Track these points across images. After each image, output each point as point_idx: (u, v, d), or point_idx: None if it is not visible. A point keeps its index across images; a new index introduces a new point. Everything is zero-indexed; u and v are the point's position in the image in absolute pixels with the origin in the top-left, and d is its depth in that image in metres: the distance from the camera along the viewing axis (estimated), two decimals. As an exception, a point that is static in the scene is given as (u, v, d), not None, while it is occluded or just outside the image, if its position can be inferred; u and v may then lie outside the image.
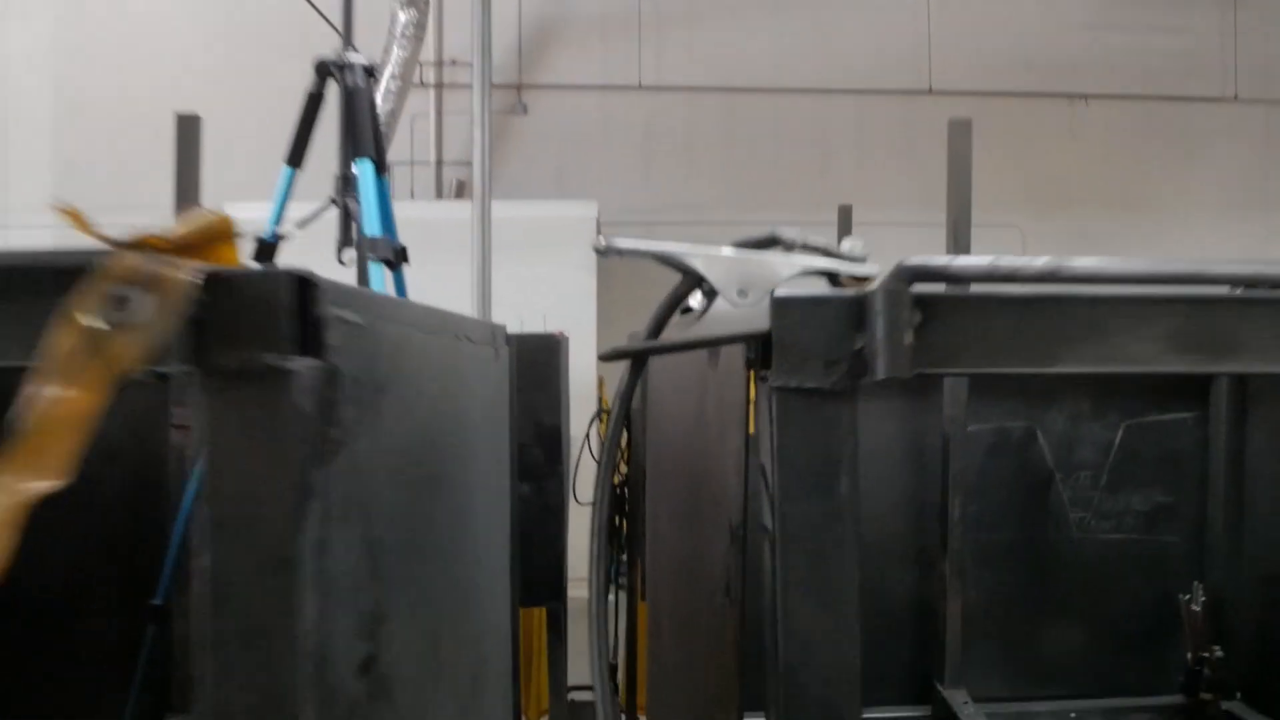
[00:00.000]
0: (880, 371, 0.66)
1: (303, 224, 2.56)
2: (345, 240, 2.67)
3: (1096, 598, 2.25)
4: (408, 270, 2.62)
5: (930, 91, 8.04)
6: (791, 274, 0.93)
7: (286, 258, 2.56)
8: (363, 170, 2.49)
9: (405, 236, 2.68)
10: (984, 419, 2.22)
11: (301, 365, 0.56)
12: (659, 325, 0.96)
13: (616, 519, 3.95)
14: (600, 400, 5.43)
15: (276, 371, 0.55)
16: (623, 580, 3.60)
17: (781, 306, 0.68)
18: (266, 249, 2.62)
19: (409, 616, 0.91)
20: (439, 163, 7.99)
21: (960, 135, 2.16)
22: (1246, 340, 0.73)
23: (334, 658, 0.66)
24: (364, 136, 2.49)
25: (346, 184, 2.56)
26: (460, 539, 1.27)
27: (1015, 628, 2.25)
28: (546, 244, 6.35)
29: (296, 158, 2.60)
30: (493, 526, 1.65)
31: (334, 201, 2.65)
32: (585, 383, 4.84)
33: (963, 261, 0.68)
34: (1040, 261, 0.69)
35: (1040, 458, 2.24)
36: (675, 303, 0.96)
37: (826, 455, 0.67)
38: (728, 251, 0.98)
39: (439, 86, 8.01)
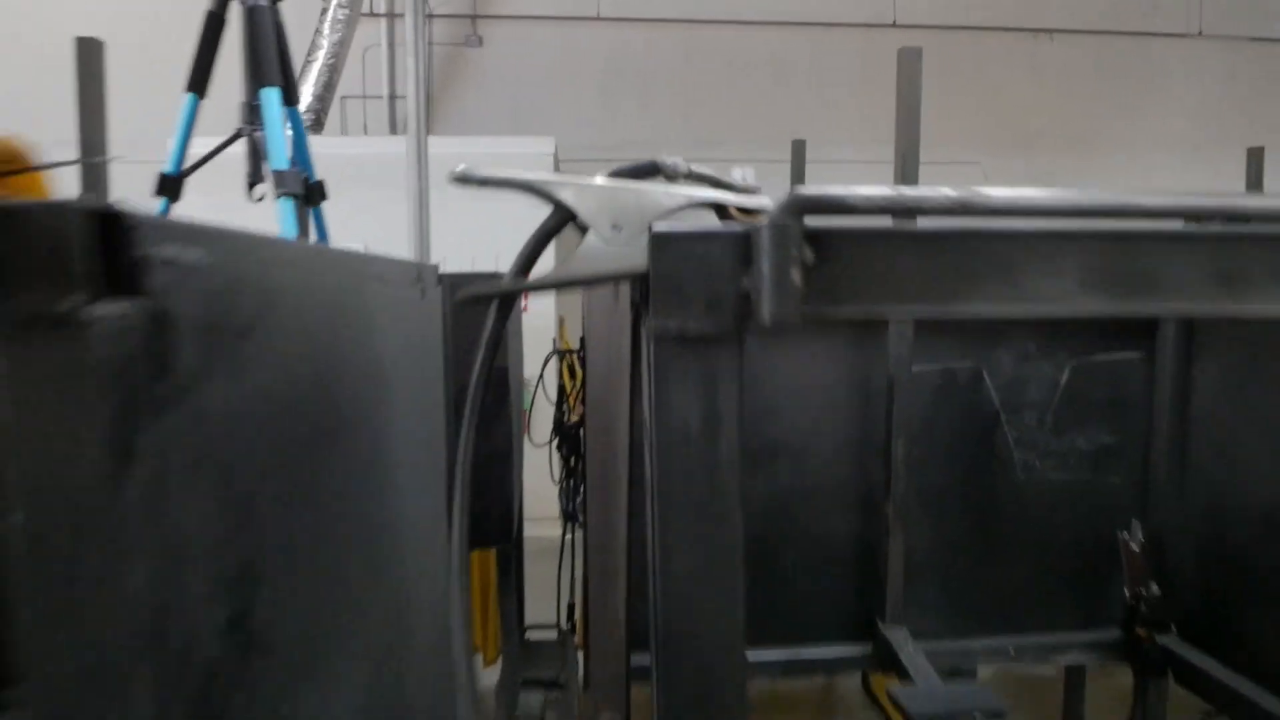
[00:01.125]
0: (765, 315, 0.60)
1: (205, 159, 2.39)
2: (255, 176, 2.48)
3: (1039, 537, 2.25)
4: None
5: (895, 25, 7.93)
6: (675, 206, 0.85)
7: (196, 193, 2.43)
8: (267, 99, 2.32)
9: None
10: (930, 359, 2.19)
11: (106, 311, 0.50)
12: (526, 264, 0.90)
13: (573, 460, 3.94)
14: (555, 341, 5.37)
15: (71, 319, 0.48)
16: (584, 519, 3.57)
17: (660, 243, 0.63)
18: (170, 184, 2.44)
19: (295, 569, 0.86)
20: (392, 96, 7.79)
21: (910, 64, 2.08)
22: (1170, 279, 0.68)
23: (180, 621, 0.61)
24: (267, 61, 2.31)
25: (253, 114, 2.39)
26: (371, 486, 1.23)
27: (957, 568, 2.25)
28: (502, 182, 6.19)
29: (198, 84, 2.41)
30: (422, 470, 1.60)
31: (240, 133, 2.47)
32: (542, 326, 4.79)
33: (864, 192, 0.61)
34: (950, 192, 0.63)
35: (986, 399, 2.21)
36: (543, 239, 0.91)
37: (707, 406, 0.61)
38: (600, 181, 0.90)
39: (390, 16, 7.78)
